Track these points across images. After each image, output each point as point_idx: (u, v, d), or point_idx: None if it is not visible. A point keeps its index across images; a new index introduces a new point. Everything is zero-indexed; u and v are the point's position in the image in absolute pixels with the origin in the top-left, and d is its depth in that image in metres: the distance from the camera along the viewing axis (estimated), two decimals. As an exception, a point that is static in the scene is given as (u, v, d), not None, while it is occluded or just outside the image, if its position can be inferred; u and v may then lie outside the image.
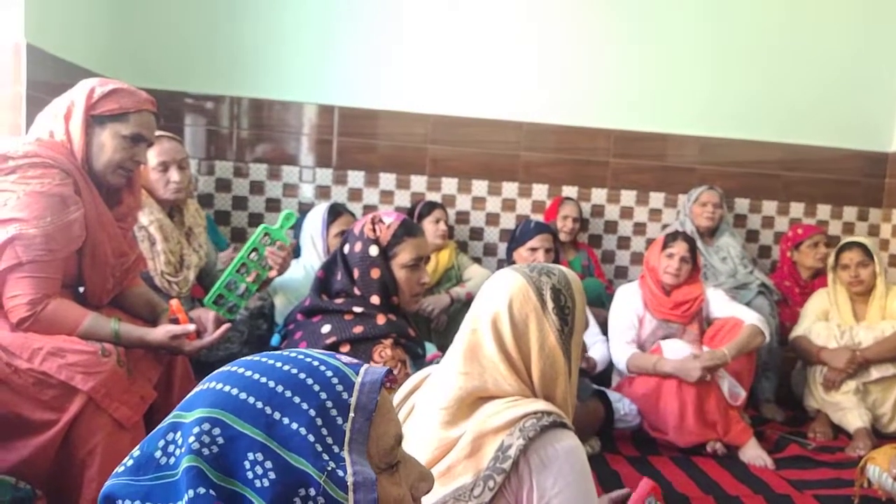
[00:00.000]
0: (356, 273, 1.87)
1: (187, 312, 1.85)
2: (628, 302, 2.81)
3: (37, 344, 1.52)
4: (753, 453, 2.56)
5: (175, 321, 1.76)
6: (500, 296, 1.14)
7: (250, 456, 0.59)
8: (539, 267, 1.19)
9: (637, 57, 3.55)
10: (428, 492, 0.74)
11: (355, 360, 0.70)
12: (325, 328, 1.83)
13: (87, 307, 1.66)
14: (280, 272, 2.25)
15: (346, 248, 1.92)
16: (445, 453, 1.09)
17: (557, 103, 3.53)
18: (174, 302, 1.79)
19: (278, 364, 0.66)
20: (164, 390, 1.81)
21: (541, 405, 1.07)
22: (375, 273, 1.87)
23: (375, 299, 1.87)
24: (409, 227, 1.93)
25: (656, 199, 3.68)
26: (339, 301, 1.89)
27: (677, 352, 2.64)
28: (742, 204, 3.76)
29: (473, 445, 1.06)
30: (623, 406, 2.65)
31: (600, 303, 3.00)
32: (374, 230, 1.88)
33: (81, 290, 1.76)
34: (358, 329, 1.83)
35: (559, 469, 1.02)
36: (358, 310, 1.86)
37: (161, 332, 1.67)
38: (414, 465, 0.73)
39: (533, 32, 3.48)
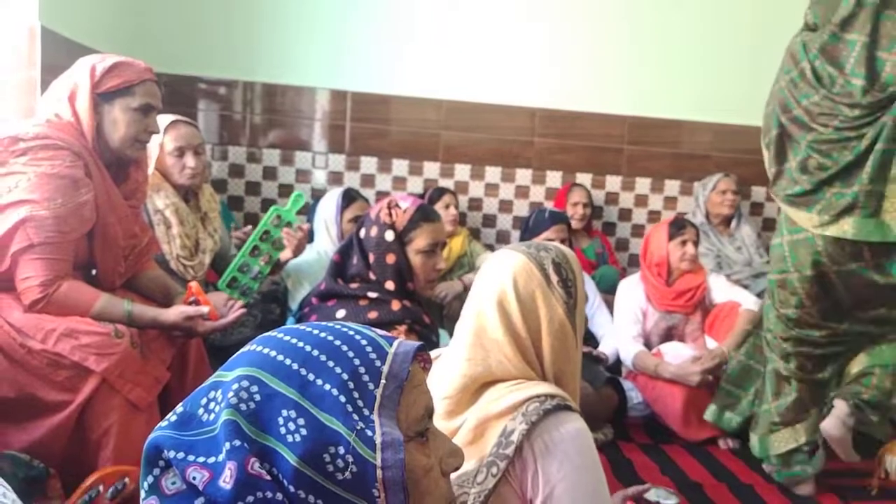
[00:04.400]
0: (371, 258, 1.86)
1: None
2: (631, 296, 2.80)
3: (50, 325, 1.52)
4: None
5: (194, 303, 1.75)
6: (503, 274, 1.12)
7: (284, 413, 0.62)
8: (534, 244, 1.18)
9: (652, 42, 3.50)
10: (457, 468, 0.75)
11: (390, 335, 0.73)
12: (340, 313, 1.83)
13: (100, 289, 1.66)
14: (296, 254, 2.25)
15: (362, 233, 1.91)
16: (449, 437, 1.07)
17: (571, 89, 3.49)
18: (194, 284, 1.79)
19: (316, 331, 0.69)
20: (179, 372, 1.81)
21: (544, 388, 1.04)
22: (391, 258, 1.85)
23: (390, 284, 1.86)
24: (426, 211, 1.92)
25: (671, 186, 3.64)
26: (354, 286, 1.89)
27: (678, 355, 2.61)
28: (759, 192, 3.71)
29: (476, 431, 1.04)
30: (636, 394, 2.64)
31: (615, 290, 2.97)
32: (390, 215, 1.87)
33: (94, 272, 1.76)
34: (372, 314, 1.82)
35: (564, 453, 1.00)
36: (373, 295, 1.85)
37: (175, 313, 1.67)
38: (444, 441, 0.75)
39: (547, 18, 3.44)
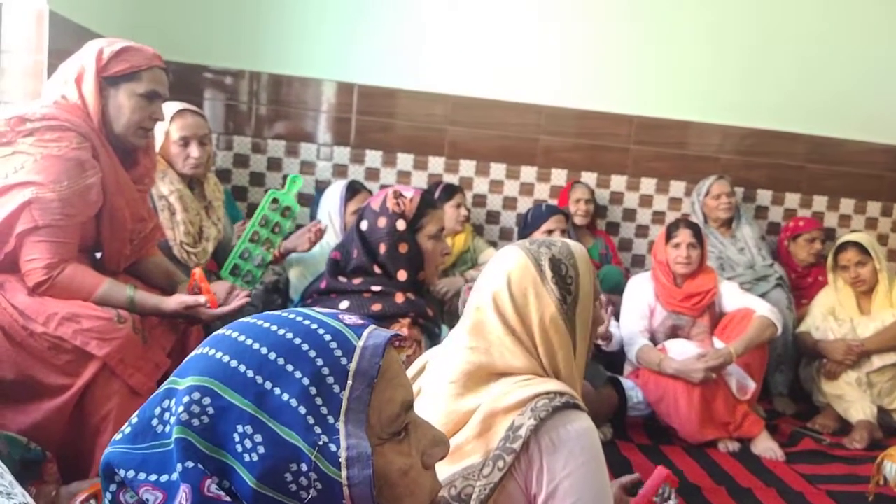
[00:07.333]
0: (383, 248, 1.84)
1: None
2: (640, 292, 2.80)
3: (52, 308, 1.52)
4: (765, 445, 2.54)
5: (197, 290, 1.75)
6: (499, 271, 1.13)
7: (240, 428, 0.56)
8: (540, 240, 1.17)
9: (661, 42, 3.48)
10: (442, 457, 0.69)
11: (361, 321, 0.66)
12: (344, 304, 1.82)
13: (104, 273, 1.66)
14: (311, 248, 2.26)
15: (364, 225, 1.89)
16: (456, 425, 1.06)
17: (579, 88, 3.47)
18: (198, 271, 1.79)
19: (273, 327, 0.62)
20: (179, 359, 1.79)
21: (553, 385, 1.04)
22: (403, 247, 1.84)
23: (402, 274, 1.84)
24: (430, 198, 1.94)
25: (677, 187, 3.63)
26: (356, 281, 1.87)
27: (683, 352, 2.60)
28: (764, 195, 3.70)
29: (484, 425, 1.04)
30: (636, 394, 2.63)
31: (619, 291, 2.97)
32: (398, 204, 1.85)
33: (98, 255, 1.76)
34: (376, 307, 1.81)
35: (570, 451, 0.99)
36: (376, 288, 1.84)
37: (175, 302, 1.67)
38: (427, 430, 0.69)
39: (556, 14, 3.43)
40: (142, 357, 1.58)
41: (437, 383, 1.11)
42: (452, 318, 2.84)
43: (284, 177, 3.40)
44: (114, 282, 1.64)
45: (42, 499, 1.37)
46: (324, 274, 2.00)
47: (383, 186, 3.44)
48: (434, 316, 1.92)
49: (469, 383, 1.08)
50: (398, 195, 1.87)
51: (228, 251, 2.41)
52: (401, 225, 1.84)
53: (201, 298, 1.69)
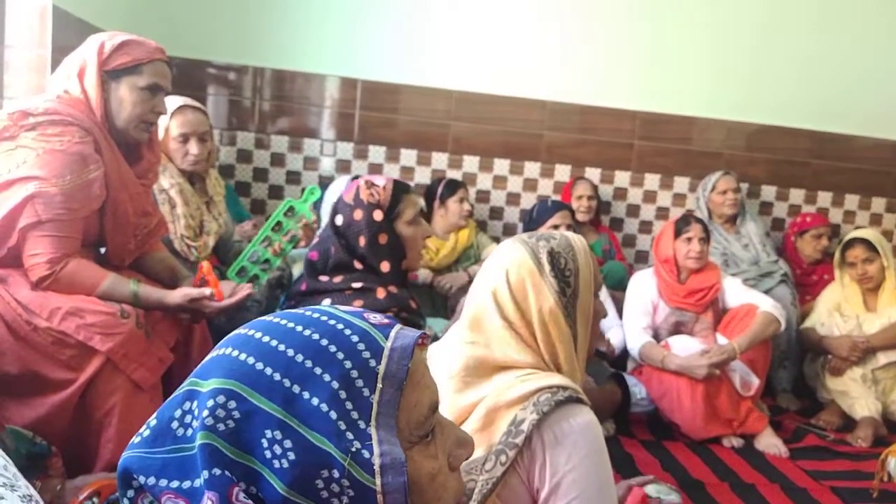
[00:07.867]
0: (362, 241, 1.80)
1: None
2: (643, 288, 2.80)
3: (56, 303, 1.52)
4: (768, 442, 2.54)
5: (204, 283, 1.74)
6: (497, 265, 1.13)
7: (268, 434, 0.55)
8: (539, 234, 1.16)
9: (665, 38, 3.47)
10: (468, 457, 0.68)
11: (386, 320, 0.64)
12: (326, 301, 1.80)
13: (108, 268, 1.66)
14: (307, 245, 2.26)
15: (339, 220, 1.84)
16: (458, 420, 1.06)
17: (583, 83, 3.47)
18: (205, 264, 1.78)
19: (298, 328, 0.60)
20: (183, 354, 1.81)
21: (556, 379, 1.04)
22: (383, 238, 1.81)
23: (386, 265, 1.81)
24: (401, 184, 1.90)
25: (681, 183, 3.62)
26: (337, 279, 1.83)
27: (686, 348, 2.60)
28: (769, 191, 3.69)
29: (486, 419, 1.04)
30: (639, 390, 2.63)
31: (623, 287, 2.96)
32: (371, 194, 1.83)
33: (103, 250, 1.76)
34: (358, 303, 1.79)
35: (573, 445, 0.99)
36: (357, 285, 1.82)
37: (179, 295, 1.67)
38: (451, 431, 0.67)
39: (560, 10, 3.42)
40: (145, 352, 1.58)
41: (437, 379, 1.11)
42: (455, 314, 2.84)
43: (288, 173, 3.41)
44: (117, 276, 1.63)
45: (47, 493, 1.37)
46: (303, 276, 1.96)
47: (386, 182, 3.43)
48: (417, 308, 1.90)
49: (469, 377, 1.07)
50: (370, 185, 1.83)
51: (229, 246, 2.41)
52: (378, 215, 1.81)
53: (206, 291, 1.68)
